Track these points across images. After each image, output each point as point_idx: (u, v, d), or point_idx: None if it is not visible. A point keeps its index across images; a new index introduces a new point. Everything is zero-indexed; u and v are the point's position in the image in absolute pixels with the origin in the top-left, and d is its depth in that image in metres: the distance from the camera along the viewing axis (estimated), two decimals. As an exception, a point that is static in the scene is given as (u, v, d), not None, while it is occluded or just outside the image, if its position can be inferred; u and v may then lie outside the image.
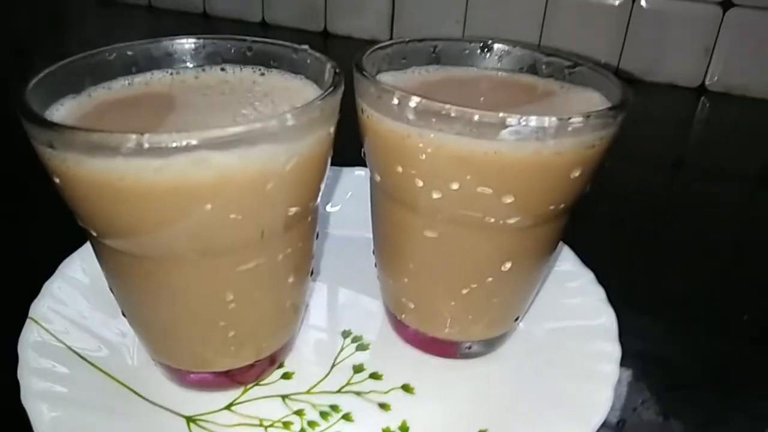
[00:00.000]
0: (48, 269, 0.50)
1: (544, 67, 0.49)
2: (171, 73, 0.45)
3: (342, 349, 0.49)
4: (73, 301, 0.49)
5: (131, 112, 0.40)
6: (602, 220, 0.72)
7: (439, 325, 0.47)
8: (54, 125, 0.32)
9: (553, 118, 0.35)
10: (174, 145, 0.30)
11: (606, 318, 0.49)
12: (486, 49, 0.50)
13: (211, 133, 0.30)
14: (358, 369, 0.47)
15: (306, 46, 0.43)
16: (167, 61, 0.45)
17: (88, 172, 0.31)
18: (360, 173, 0.63)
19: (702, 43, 1.08)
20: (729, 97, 1.10)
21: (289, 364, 0.47)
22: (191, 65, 0.45)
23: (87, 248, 0.51)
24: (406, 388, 0.46)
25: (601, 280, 0.53)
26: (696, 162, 0.95)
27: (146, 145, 0.30)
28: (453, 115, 0.35)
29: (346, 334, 0.51)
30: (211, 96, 0.42)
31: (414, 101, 0.36)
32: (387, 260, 0.48)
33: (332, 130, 0.39)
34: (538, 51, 0.49)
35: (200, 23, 1.34)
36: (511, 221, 0.39)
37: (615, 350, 0.46)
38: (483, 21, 1.17)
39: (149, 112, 0.40)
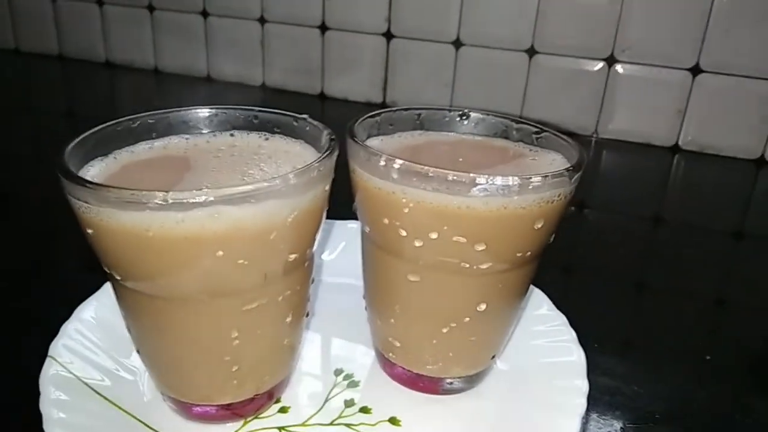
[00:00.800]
0: (66, 313, 0.55)
1: (515, 132, 0.55)
2: (186, 138, 0.51)
3: (334, 386, 0.54)
4: (88, 340, 0.53)
5: (152, 172, 0.46)
6: (579, 268, 0.78)
7: (423, 363, 0.52)
8: (92, 184, 0.37)
9: (516, 178, 0.41)
10: (194, 200, 0.36)
11: (576, 357, 0.54)
12: (464, 117, 0.57)
13: (226, 190, 0.36)
14: (349, 404, 0.52)
15: (306, 116, 0.50)
16: (183, 127, 0.51)
17: (119, 224, 0.37)
18: (352, 226, 0.68)
19: (675, 106, 1.16)
20: (702, 155, 1.17)
21: (285, 399, 0.52)
22: (204, 131, 0.52)
23: (100, 295, 0.57)
24: (393, 420, 0.50)
25: (574, 323, 0.58)
26: (671, 215, 1.01)
27: (170, 201, 0.35)
28: (430, 174, 0.42)
29: (337, 372, 0.55)
30: (223, 158, 0.48)
31: (398, 163, 0.43)
32: (375, 303, 0.53)
33: (328, 187, 0.45)
34: (510, 119, 0.56)
35: (204, 86, 1.42)
36: (484, 266, 0.45)
37: (583, 385, 0.51)
38: (469, 85, 1.26)
39: (168, 172, 0.46)
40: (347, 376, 0.55)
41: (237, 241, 0.38)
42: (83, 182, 0.37)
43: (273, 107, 0.52)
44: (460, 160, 0.54)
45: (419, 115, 0.57)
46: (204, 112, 0.52)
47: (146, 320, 0.44)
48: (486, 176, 0.41)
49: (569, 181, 0.44)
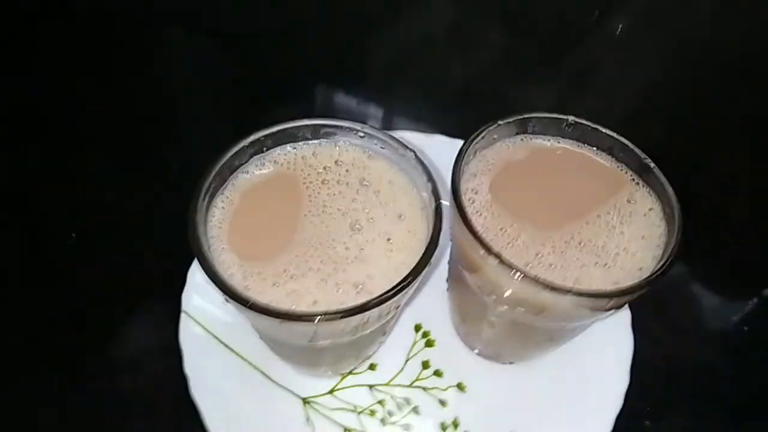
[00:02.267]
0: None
1: (621, 154, 0.54)
2: (294, 148, 0.53)
3: (414, 343, 0.64)
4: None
5: (269, 208, 0.50)
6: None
7: (495, 355, 0.61)
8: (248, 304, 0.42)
9: (593, 300, 0.44)
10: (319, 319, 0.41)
11: (623, 342, 0.62)
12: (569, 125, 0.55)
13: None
14: (425, 365, 0.63)
15: (413, 153, 0.50)
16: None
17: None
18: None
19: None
20: None
21: (375, 356, 0.63)
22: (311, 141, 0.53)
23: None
24: (460, 386, 0.62)
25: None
26: None
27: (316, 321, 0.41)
28: (521, 280, 0.45)
29: (417, 328, 0.65)
30: (330, 183, 0.51)
31: (493, 262, 0.45)
32: (458, 309, 0.61)
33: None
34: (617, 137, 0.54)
35: None
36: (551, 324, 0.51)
37: (627, 355, 0.60)
38: None
39: (283, 208, 0.50)
40: (425, 334, 0.65)
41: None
42: (243, 303, 0.42)
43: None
44: (558, 196, 0.54)
45: (521, 120, 0.55)
46: (312, 122, 0.52)
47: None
48: (570, 293, 0.44)
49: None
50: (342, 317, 0.41)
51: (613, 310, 0.49)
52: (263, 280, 0.45)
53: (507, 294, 0.48)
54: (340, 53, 1.05)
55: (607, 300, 0.45)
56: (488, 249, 0.45)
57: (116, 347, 0.64)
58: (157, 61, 1.02)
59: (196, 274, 0.64)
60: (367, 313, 0.42)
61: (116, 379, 0.62)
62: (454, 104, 0.96)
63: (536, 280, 0.44)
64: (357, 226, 0.49)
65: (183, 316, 0.61)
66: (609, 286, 0.47)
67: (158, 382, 0.62)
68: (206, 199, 0.47)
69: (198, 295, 0.63)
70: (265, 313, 0.41)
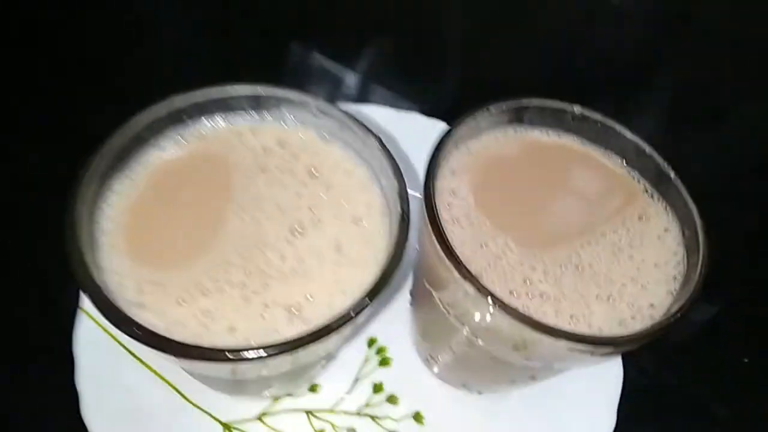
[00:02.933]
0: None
1: (634, 158, 0.44)
2: (230, 124, 0.41)
3: (366, 361, 0.54)
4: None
5: (181, 203, 0.38)
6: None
7: (458, 381, 0.51)
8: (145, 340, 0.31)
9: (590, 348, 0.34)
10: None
11: (611, 375, 0.53)
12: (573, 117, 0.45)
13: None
14: (377, 388, 0.53)
15: (377, 140, 0.39)
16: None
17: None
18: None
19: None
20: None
21: (317, 375, 0.52)
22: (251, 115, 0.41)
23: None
24: (417, 417, 0.52)
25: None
26: None
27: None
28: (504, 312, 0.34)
29: (371, 342, 0.55)
30: (271, 173, 0.40)
31: (471, 290, 0.35)
32: (424, 331, 0.51)
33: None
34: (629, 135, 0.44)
35: None
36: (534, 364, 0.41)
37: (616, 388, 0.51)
38: None
39: (205, 210, 0.38)
40: (380, 350, 0.55)
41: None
42: (128, 329, 0.31)
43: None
44: (555, 206, 0.44)
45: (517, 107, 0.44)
46: (252, 90, 0.41)
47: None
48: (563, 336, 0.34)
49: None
50: (262, 358, 0.30)
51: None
52: (165, 296, 0.34)
53: (483, 326, 0.38)
54: (313, 10, 0.92)
55: (611, 348, 0.35)
56: (464, 272, 0.35)
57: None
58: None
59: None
60: (300, 350, 0.31)
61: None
62: (438, 78, 0.84)
63: (522, 316, 0.34)
64: (299, 229, 0.38)
65: (79, 313, 0.50)
66: (613, 327, 0.37)
67: (46, 399, 0.50)
68: (96, 180, 0.35)
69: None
70: (157, 348, 0.30)
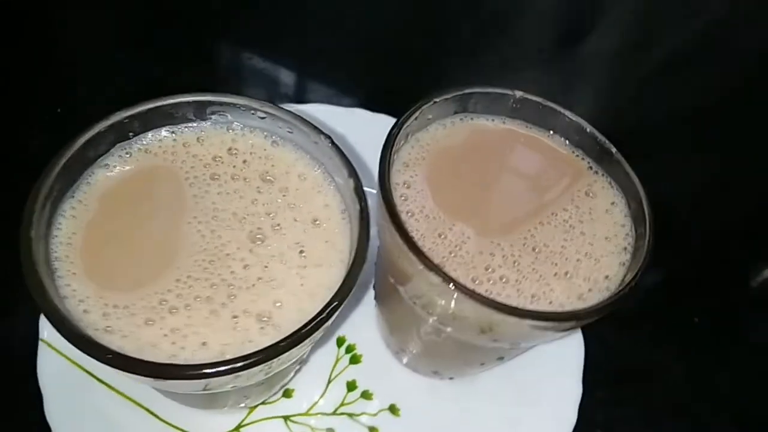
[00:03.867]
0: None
1: (576, 137, 0.46)
2: (173, 134, 0.41)
3: (338, 360, 0.54)
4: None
5: (135, 221, 0.38)
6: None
7: (428, 368, 0.52)
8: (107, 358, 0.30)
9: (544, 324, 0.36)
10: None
11: (574, 349, 0.55)
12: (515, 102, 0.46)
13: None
14: (351, 386, 0.53)
15: (328, 140, 0.39)
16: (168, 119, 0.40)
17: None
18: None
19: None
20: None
21: (290, 381, 0.52)
22: (195, 123, 0.41)
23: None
24: (393, 409, 0.53)
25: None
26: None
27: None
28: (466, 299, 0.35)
29: (340, 341, 0.55)
30: (222, 182, 0.40)
31: (435, 279, 0.36)
32: (390, 322, 0.51)
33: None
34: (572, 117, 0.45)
35: None
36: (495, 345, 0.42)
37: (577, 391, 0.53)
38: None
39: (159, 223, 0.38)
40: (349, 348, 0.55)
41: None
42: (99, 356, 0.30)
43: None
44: (506, 190, 0.45)
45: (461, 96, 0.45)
46: (195, 98, 0.40)
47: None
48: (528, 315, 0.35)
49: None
50: (242, 369, 0.30)
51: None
52: (131, 317, 0.33)
53: (450, 313, 0.39)
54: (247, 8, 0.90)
55: (574, 322, 0.36)
56: (427, 263, 0.36)
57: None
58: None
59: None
60: (279, 357, 0.31)
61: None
62: (377, 72, 0.85)
63: (487, 301, 0.35)
64: (259, 236, 0.38)
65: (41, 345, 0.48)
66: (573, 301, 0.39)
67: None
68: (48, 206, 0.34)
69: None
70: (131, 372, 0.29)
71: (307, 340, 0.32)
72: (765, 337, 0.70)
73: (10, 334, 0.52)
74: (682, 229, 0.72)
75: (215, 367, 0.29)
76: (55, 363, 0.48)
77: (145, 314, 0.34)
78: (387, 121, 0.60)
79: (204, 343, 0.33)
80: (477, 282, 0.38)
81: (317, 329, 0.32)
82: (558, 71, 0.88)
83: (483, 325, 0.38)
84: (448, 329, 0.41)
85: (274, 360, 0.31)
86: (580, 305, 0.38)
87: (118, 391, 0.48)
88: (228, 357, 0.30)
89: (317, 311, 0.33)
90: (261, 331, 0.34)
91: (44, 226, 0.34)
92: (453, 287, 0.35)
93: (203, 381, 0.31)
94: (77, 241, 0.36)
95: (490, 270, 0.39)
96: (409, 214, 0.41)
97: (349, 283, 0.34)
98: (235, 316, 0.34)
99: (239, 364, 0.30)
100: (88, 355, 0.29)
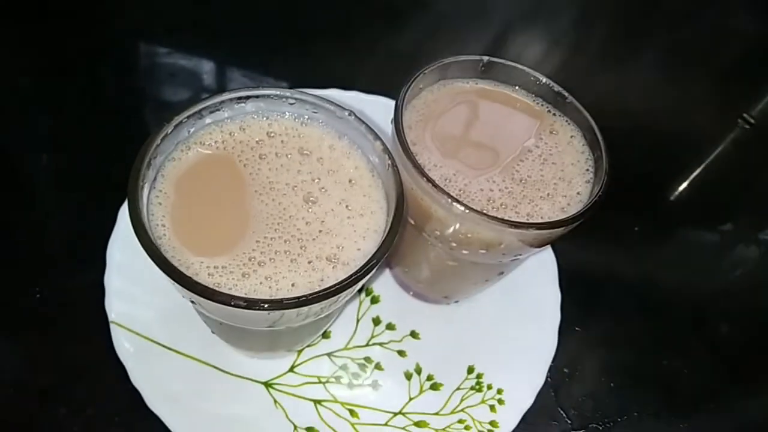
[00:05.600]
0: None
1: (535, 87, 0.57)
2: (220, 128, 0.49)
3: (361, 303, 0.64)
4: (141, 297, 0.58)
5: (212, 198, 0.46)
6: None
7: (440, 294, 0.63)
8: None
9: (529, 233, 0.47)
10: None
11: (548, 263, 0.67)
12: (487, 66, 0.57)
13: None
14: (376, 321, 0.63)
15: (351, 114, 0.48)
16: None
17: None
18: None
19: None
20: None
21: (325, 324, 0.62)
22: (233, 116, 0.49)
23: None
24: (414, 334, 0.63)
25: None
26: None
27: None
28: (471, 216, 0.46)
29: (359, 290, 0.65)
30: (269, 158, 0.48)
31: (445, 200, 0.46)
32: (410, 266, 0.61)
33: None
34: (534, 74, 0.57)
35: None
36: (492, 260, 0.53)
37: (557, 295, 0.65)
38: None
39: (228, 194, 0.46)
40: (368, 291, 0.65)
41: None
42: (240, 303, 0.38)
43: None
44: (489, 137, 0.55)
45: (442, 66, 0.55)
46: (232, 95, 0.48)
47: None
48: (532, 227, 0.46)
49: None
50: (337, 292, 0.39)
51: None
52: (230, 273, 0.42)
53: (467, 237, 0.49)
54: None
55: (563, 228, 0.48)
56: (452, 197, 0.46)
57: (49, 374, 0.57)
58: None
59: (112, 278, 0.58)
60: (359, 283, 0.41)
61: (59, 411, 0.55)
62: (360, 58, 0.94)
63: (504, 221, 0.45)
64: (311, 198, 0.47)
65: (113, 326, 0.55)
66: (558, 214, 0.50)
67: (108, 401, 0.56)
68: (143, 198, 0.42)
69: (121, 300, 0.57)
70: (250, 307, 0.38)
71: (373, 270, 0.42)
72: (687, 240, 0.86)
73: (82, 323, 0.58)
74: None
75: (320, 294, 0.39)
76: (128, 339, 0.55)
77: (241, 270, 0.42)
78: (381, 101, 0.70)
79: (293, 284, 0.42)
80: (485, 210, 0.49)
81: (380, 259, 0.42)
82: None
83: (494, 242, 0.49)
84: (463, 252, 0.52)
85: (359, 284, 0.41)
86: (564, 216, 0.50)
87: (186, 354, 0.56)
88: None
89: (374, 248, 0.43)
90: (333, 269, 0.43)
91: (145, 213, 0.42)
92: (474, 213, 0.45)
93: (304, 308, 0.40)
94: (168, 222, 0.43)
95: (491, 201, 0.50)
96: (422, 165, 0.51)
97: (396, 223, 0.44)
98: (310, 261, 0.43)
99: (333, 289, 0.39)
100: (225, 303, 0.38)
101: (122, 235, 0.60)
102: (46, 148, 0.74)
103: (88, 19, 0.92)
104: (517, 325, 0.64)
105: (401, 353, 0.62)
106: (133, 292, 0.57)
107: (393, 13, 1.04)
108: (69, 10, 0.90)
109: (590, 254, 0.77)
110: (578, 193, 0.52)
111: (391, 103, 0.51)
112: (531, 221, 0.49)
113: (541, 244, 0.50)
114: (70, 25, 0.89)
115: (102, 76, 0.85)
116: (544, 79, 0.57)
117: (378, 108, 0.61)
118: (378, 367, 0.61)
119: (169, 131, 0.45)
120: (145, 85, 0.86)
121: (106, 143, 0.74)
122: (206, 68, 0.88)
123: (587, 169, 0.54)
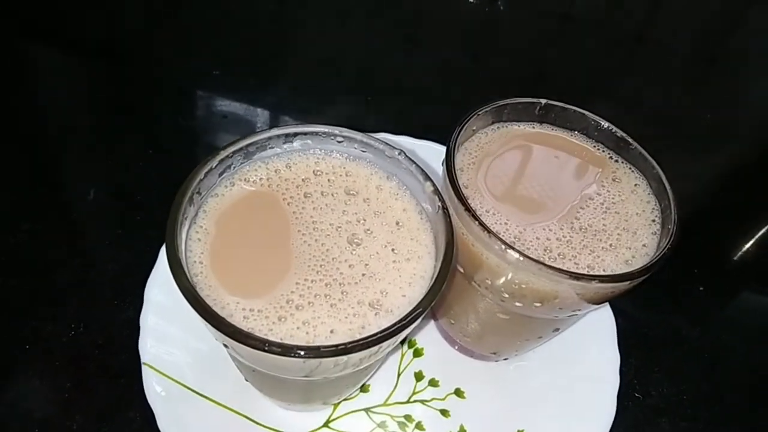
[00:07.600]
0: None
1: (596, 133, 0.54)
2: (266, 164, 0.47)
3: (403, 356, 0.60)
4: (176, 338, 0.56)
5: (251, 238, 0.44)
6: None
7: (487, 349, 0.59)
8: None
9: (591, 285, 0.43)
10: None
11: (606, 322, 0.62)
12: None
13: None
14: (419, 377, 0.59)
15: (401, 154, 0.46)
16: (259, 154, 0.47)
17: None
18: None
19: None
20: None
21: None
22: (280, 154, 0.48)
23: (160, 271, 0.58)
24: (459, 393, 0.59)
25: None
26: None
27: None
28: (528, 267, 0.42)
29: (402, 340, 0.61)
30: (314, 197, 0.46)
31: (500, 246, 0.43)
32: (452, 310, 0.58)
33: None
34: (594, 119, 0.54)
35: None
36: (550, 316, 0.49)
37: (615, 357, 0.60)
38: None
39: (269, 236, 0.44)
40: (411, 344, 0.62)
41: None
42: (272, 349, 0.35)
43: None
44: (546, 184, 0.52)
45: (496, 108, 0.53)
46: (279, 132, 0.47)
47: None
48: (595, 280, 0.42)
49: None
50: (379, 341, 0.36)
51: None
52: (266, 318, 0.39)
53: (521, 288, 0.46)
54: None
55: (629, 282, 0.43)
56: (506, 244, 0.42)
57: (77, 414, 0.55)
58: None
59: (148, 318, 0.56)
60: (403, 333, 0.38)
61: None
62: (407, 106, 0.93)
63: (562, 271, 0.42)
64: (356, 240, 0.44)
65: (145, 368, 0.53)
66: (622, 267, 0.46)
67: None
68: (181, 233, 0.40)
69: (155, 341, 0.55)
70: (285, 354, 0.35)
71: (419, 319, 0.39)
72: (756, 302, 0.79)
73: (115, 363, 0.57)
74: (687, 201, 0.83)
75: (359, 343, 0.35)
76: (159, 382, 0.53)
77: (277, 312, 0.39)
78: (429, 145, 0.68)
79: (332, 331, 0.39)
80: (542, 260, 0.45)
81: (427, 307, 0.39)
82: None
83: (550, 295, 0.45)
84: (516, 304, 0.48)
85: (397, 336, 0.38)
86: (628, 269, 0.46)
87: (217, 402, 0.54)
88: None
89: (420, 295, 0.40)
90: (376, 316, 0.40)
91: (183, 248, 0.40)
92: (530, 261, 0.42)
93: (343, 358, 0.37)
94: (206, 259, 0.41)
95: (548, 251, 0.46)
96: (474, 209, 0.48)
97: (446, 268, 0.40)
98: (351, 307, 0.41)
99: (375, 337, 0.36)
100: (255, 348, 0.35)
101: (162, 273, 0.58)
102: (100, 185, 0.75)
103: (145, 62, 0.95)
104: (571, 389, 0.59)
105: (444, 413, 0.57)
106: (168, 332, 0.55)
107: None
108: (127, 50, 0.94)
109: (651, 313, 0.71)
110: (644, 245, 0.48)
111: (442, 148, 0.49)
112: (592, 273, 0.45)
113: (601, 300, 0.46)
114: (125, 65, 0.92)
115: (156, 115, 0.87)
116: (606, 124, 0.53)
117: (429, 153, 0.59)
118: (419, 426, 0.56)
119: (214, 165, 0.44)
120: (196, 125, 0.87)
121: (156, 181, 0.74)
122: (258, 111, 0.89)
123: (653, 220, 0.49)
